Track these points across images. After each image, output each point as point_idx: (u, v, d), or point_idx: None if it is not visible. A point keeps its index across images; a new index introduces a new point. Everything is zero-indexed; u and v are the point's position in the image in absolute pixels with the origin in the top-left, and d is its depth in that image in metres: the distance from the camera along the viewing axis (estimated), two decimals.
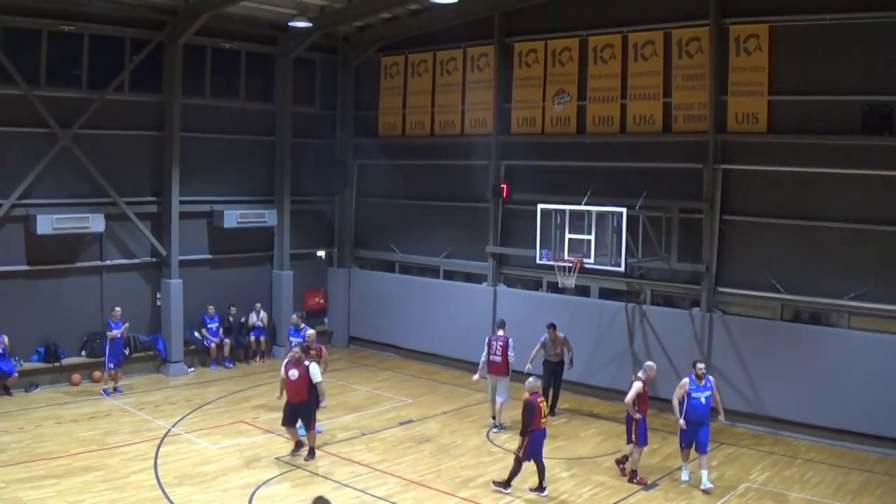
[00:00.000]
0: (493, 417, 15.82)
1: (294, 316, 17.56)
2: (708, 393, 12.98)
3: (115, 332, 17.22)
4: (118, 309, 17.52)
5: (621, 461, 13.50)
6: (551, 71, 18.91)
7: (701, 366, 13.09)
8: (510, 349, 15.39)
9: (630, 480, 13.07)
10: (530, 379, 12.76)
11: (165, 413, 16.15)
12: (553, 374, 16.64)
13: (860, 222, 15.00)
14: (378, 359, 21.75)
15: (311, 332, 15.96)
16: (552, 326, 16.48)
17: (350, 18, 20.66)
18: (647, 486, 12.90)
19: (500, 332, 15.72)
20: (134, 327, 18.91)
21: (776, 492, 12.77)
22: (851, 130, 14.86)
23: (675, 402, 13.11)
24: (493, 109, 19.84)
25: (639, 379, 13.14)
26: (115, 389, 17.41)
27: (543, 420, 12.43)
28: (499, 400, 15.55)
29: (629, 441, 13.16)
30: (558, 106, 18.83)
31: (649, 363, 13.67)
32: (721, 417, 13.41)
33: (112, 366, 17.23)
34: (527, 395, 12.41)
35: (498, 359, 15.41)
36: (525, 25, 19.48)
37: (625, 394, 13.22)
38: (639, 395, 12.97)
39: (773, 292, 15.97)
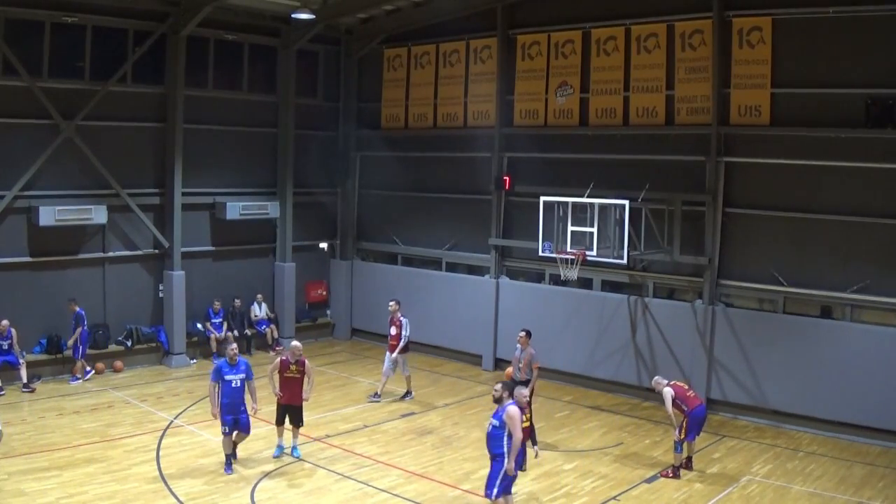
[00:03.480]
0: (410, 391, 17.21)
1: (232, 347, 13.06)
2: (495, 423, 10.16)
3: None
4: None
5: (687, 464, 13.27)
6: (554, 63, 18.88)
7: (497, 386, 10.41)
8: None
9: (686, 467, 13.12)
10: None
11: (168, 405, 16.18)
12: None
13: (863, 215, 14.97)
14: (380, 351, 21.47)
15: (295, 343, 13.64)
16: (527, 333, 14.27)
17: (353, 10, 20.65)
18: (650, 479, 12.89)
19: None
20: (136, 319, 19.08)
21: (778, 485, 12.77)
22: (854, 123, 14.82)
23: None
24: (495, 102, 19.80)
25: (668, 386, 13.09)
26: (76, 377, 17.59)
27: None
28: (407, 373, 17.27)
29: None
30: (561, 98, 18.80)
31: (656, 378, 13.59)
32: (508, 466, 10.07)
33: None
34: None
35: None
36: (528, 17, 19.43)
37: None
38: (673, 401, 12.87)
39: (776, 285, 15.95)
